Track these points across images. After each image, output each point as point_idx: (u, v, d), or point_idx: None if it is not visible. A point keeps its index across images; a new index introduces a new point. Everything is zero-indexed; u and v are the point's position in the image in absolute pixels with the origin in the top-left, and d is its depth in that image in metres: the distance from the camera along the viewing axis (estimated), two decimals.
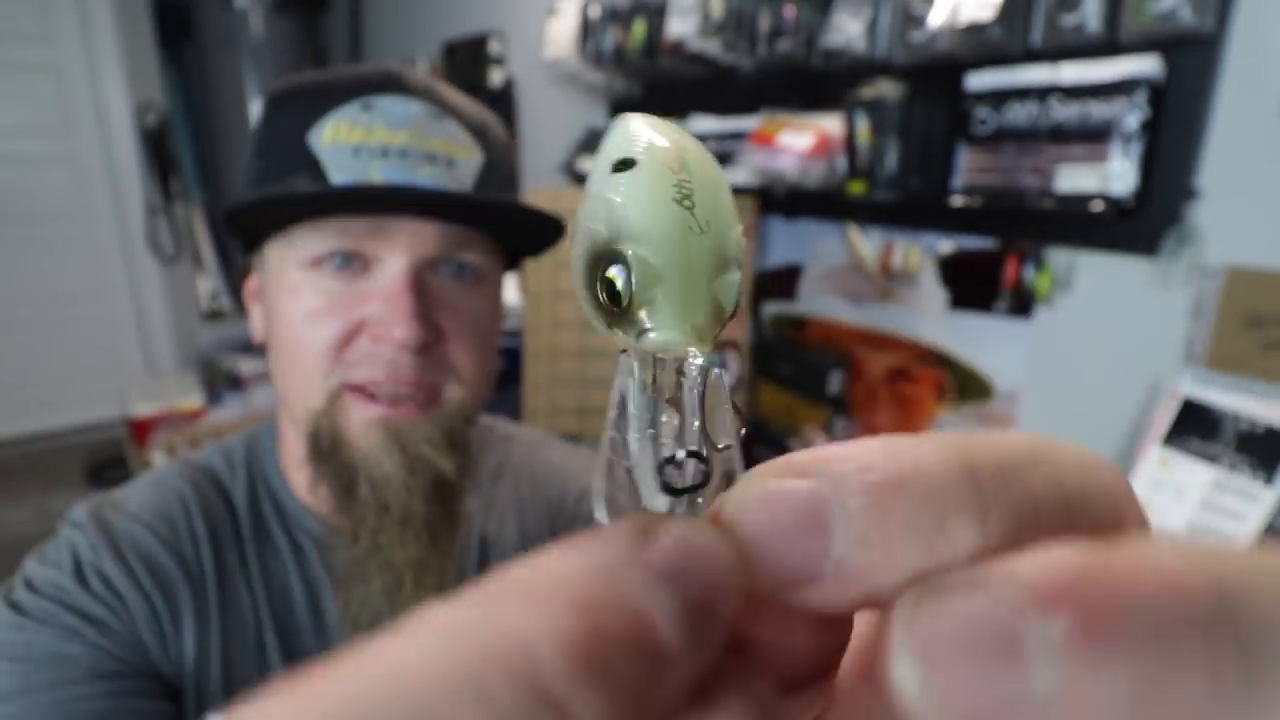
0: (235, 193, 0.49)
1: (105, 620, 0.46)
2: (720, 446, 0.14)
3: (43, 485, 3.01)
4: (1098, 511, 0.10)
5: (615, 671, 0.08)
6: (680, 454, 0.13)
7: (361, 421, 0.46)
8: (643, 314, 0.14)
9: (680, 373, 0.14)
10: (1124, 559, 0.08)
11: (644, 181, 0.14)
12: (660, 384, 0.14)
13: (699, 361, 0.14)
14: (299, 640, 0.51)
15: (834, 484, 0.10)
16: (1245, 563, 0.08)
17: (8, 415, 3.25)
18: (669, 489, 0.13)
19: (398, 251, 0.45)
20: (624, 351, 0.14)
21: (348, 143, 0.44)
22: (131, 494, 0.52)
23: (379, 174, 0.44)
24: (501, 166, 0.50)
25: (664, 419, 0.14)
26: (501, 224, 0.50)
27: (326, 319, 0.45)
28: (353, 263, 0.45)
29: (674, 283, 0.13)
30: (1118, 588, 0.08)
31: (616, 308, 0.14)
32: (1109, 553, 0.08)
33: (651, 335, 0.14)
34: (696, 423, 0.13)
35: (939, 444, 0.10)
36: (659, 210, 0.13)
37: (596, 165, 0.15)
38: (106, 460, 3.16)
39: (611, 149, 0.15)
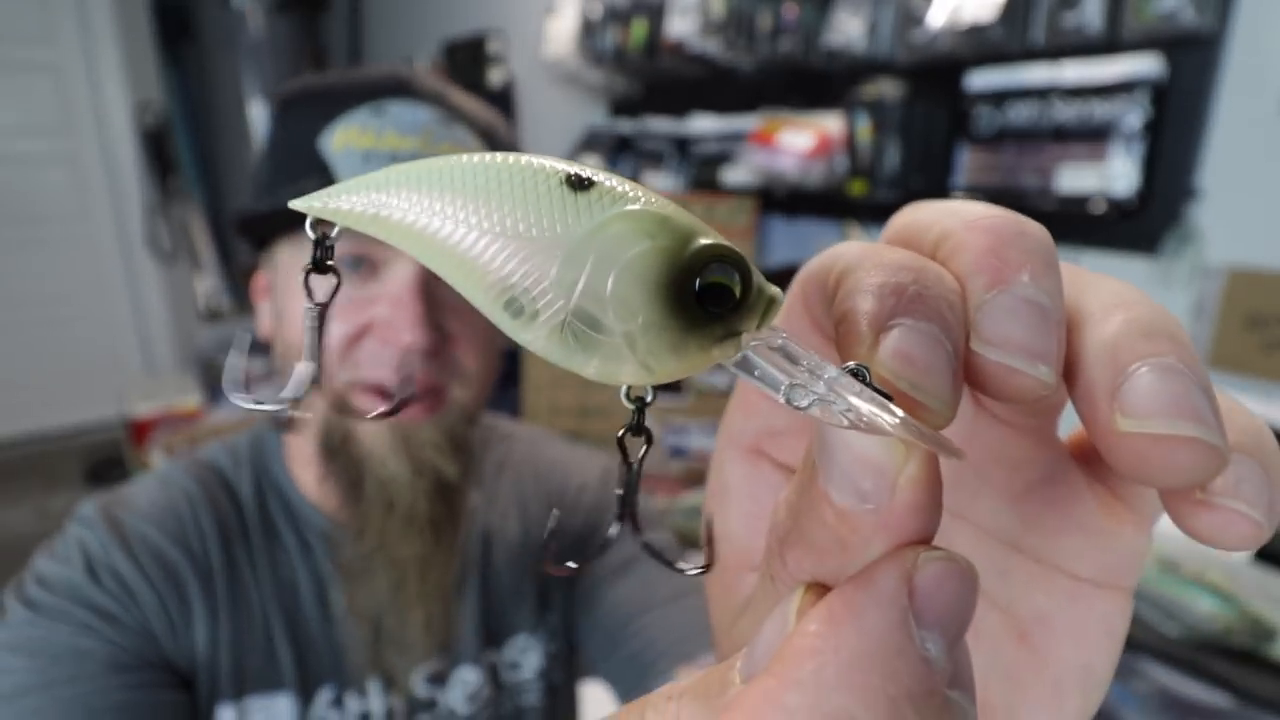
0: (245, 195, 0.51)
1: (118, 615, 0.47)
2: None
3: (42, 485, 3.00)
4: None
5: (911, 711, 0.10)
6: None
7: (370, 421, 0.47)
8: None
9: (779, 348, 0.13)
10: None
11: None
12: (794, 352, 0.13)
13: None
14: (306, 632, 0.52)
15: None
16: None
17: (6, 415, 3.25)
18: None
19: (406, 256, 0.45)
20: (741, 361, 0.13)
21: (358, 148, 0.44)
22: (139, 492, 0.53)
23: None
24: None
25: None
26: None
27: (335, 319, 0.45)
28: (361, 265, 0.46)
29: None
30: None
31: (726, 308, 0.13)
32: None
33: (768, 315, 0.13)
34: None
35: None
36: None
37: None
38: (105, 460, 3.16)
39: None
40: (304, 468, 0.53)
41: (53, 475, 3.08)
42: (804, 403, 0.12)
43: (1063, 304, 0.13)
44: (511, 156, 0.13)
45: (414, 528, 0.49)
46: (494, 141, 0.50)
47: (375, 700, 0.53)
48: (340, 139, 0.44)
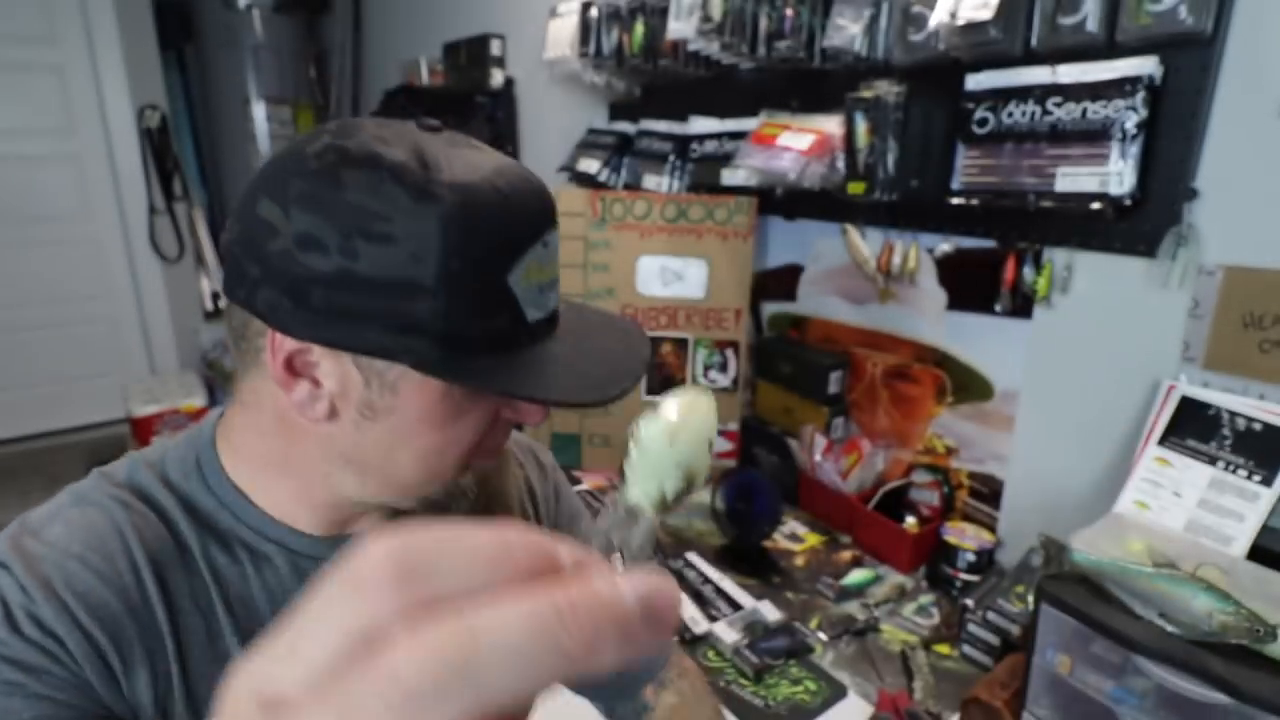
0: (391, 306, 0.43)
1: (45, 668, 0.43)
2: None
3: (44, 485, 3.02)
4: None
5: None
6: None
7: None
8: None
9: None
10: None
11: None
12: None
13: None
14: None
15: None
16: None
17: (10, 415, 3.26)
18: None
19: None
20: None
21: (535, 282, 0.47)
22: (52, 518, 0.49)
23: (549, 306, 0.49)
24: None
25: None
26: None
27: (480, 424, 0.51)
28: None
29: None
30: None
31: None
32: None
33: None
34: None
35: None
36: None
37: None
38: (109, 460, 3.17)
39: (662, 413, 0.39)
40: (257, 477, 0.53)
41: (56, 475, 3.09)
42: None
43: None
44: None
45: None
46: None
47: None
48: (524, 275, 0.46)
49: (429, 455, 0.49)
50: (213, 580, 0.51)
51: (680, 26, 1.46)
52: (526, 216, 0.46)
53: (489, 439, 0.51)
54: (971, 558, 1.16)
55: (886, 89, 1.21)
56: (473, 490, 0.56)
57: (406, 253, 0.42)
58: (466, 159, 0.45)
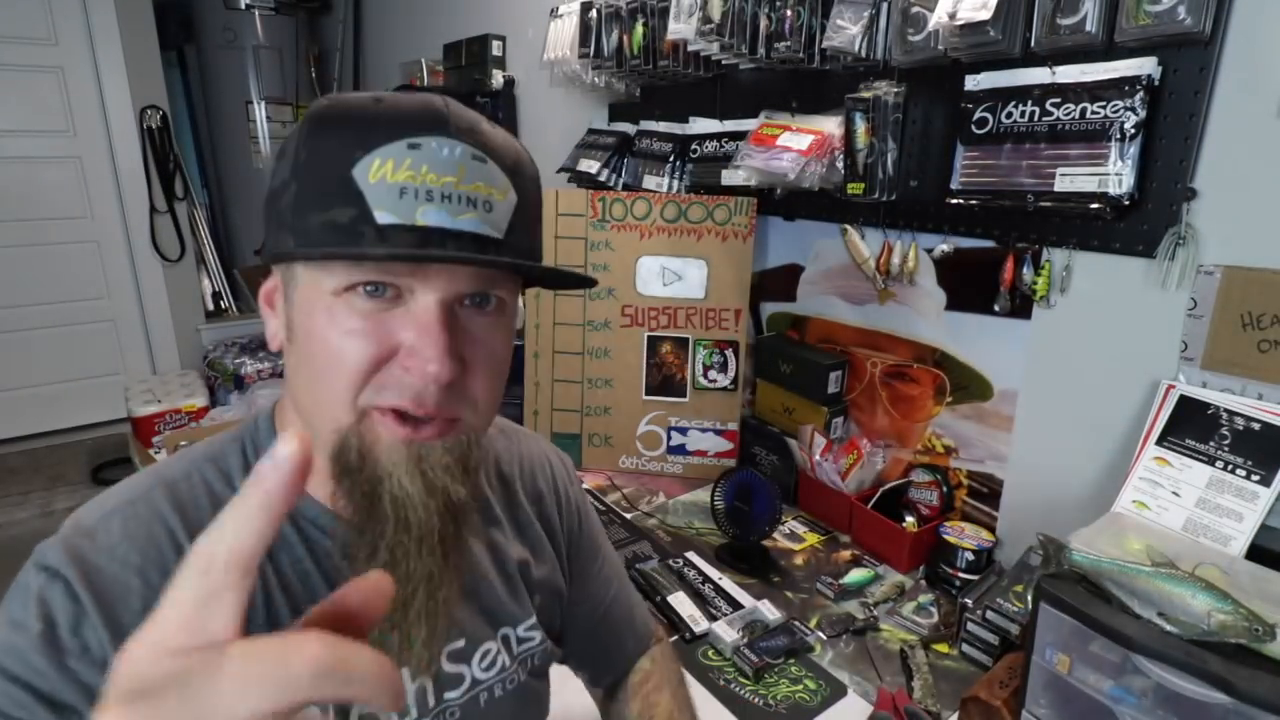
0: (267, 210, 0.48)
1: (79, 708, 0.40)
2: None
3: (46, 484, 3.02)
4: None
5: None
6: None
7: (389, 441, 0.47)
8: None
9: None
10: None
11: None
12: None
13: None
14: None
15: None
16: None
17: (11, 415, 3.26)
18: None
19: (432, 288, 0.46)
20: None
21: (393, 181, 0.44)
22: (108, 523, 0.48)
23: (422, 216, 0.45)
24: (531, 203, 0.52)
25: None
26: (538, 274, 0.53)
27: (362, 340, 0.46)
28: (386, 290, 0.47)
29: None
30: None
31: None
32: None
33: None
34: None
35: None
36: None
37: None
38: (110, 459, 3.17)
39: None
40: (312, 474, 0.52)
41: (57, 474, 3.10)
42: None
43: None
44: None
45: (425, 545, 0.49)
46: (521, 174, 0.50)
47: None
48: (375, 170, 0.44)
49: (318, 372, 0.47)
50: (278, 585, 0.51)
51: (680, 27, 1.46)
52: (395, 116, 0.46)
53: (386, 375, 0.47)
54: (970, 557, 1.17)
55: (886, 89, 1.21)
56: (473, 507, 0.54)
57: (287, 157, 0.47)
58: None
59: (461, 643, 0.60)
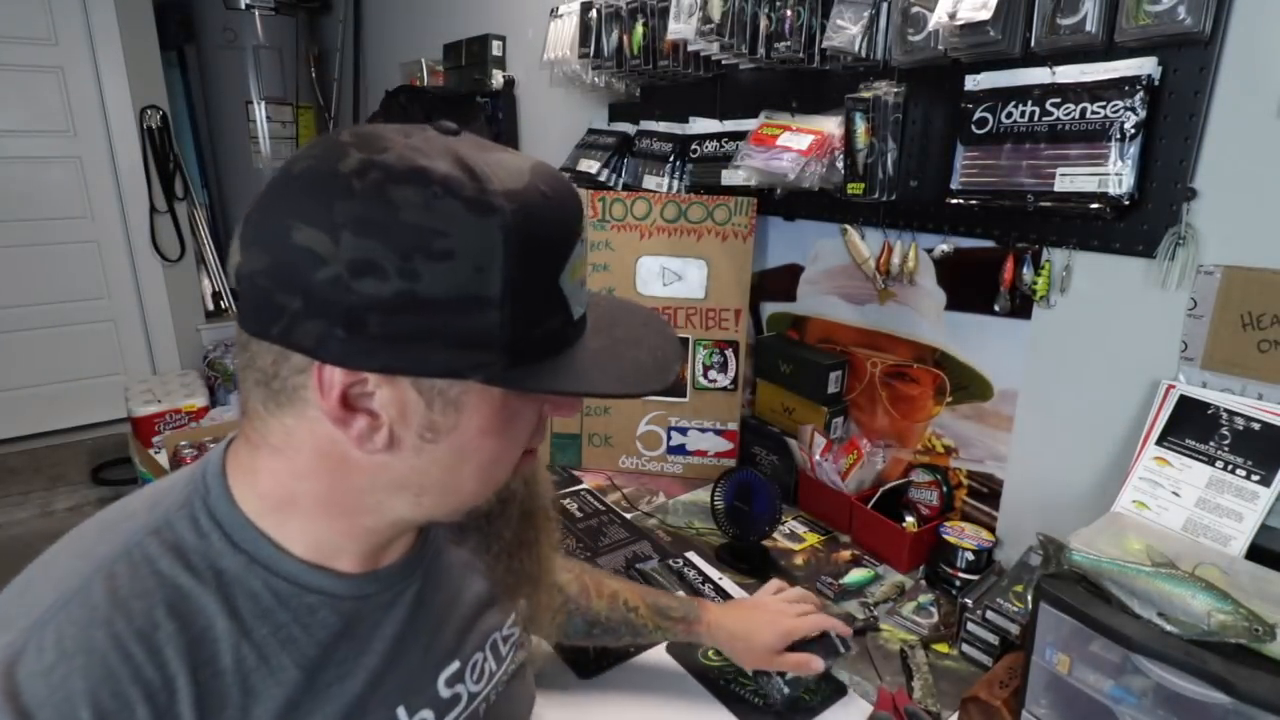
0: (451, 320, 0.41)
1: None
2: None
3: (46, 484, 3.02)
4: None
5: None
6: None
7: None
8: None
9: None
10: None
11: None
12: None
13: None
14: (321, 700, 0.50)
15: None
16: None
17: (11, 415, 3.27)
18: None
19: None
20: None
21: (579, 278, 0.48)
22: (40, 638, 0.40)
23: (585, 299, 0.50)
24: None
25: None
26: None
27: (520, 444, 0.51)
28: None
29: None
30: None
31: None
32: None
33: None
34: None
35: None
36: None
37: None
38: (110, 459, 3.18)
39: None
40: (290, 523, 0.49)
41: (58, 474, 3.10)
42: None
43: None
44: None
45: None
46: None
47: None
48: (571, 274, 0.46)
49: (490, 465, 0.49)
50: (260, 666, 0.46)
51: (680, 27, 1.46)
52: (569, 215, 0.46)
53: (534, 438, 0.52)
54: (970, 557, 1.17)
55: (886, 89, 1.21)
56: (521, 491, 0.57)
57: (470, 267, 0.41)
58: (504, 164, 0.44)
59: (456, 665, 0.60)
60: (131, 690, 0.41)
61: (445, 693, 0.59)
